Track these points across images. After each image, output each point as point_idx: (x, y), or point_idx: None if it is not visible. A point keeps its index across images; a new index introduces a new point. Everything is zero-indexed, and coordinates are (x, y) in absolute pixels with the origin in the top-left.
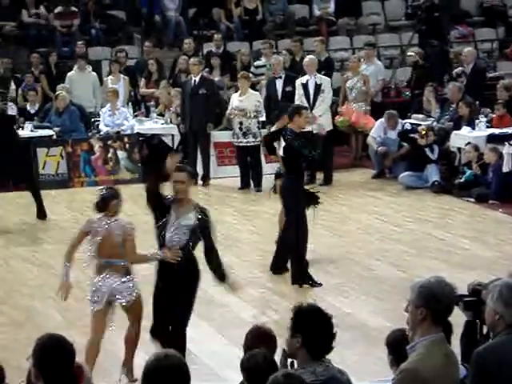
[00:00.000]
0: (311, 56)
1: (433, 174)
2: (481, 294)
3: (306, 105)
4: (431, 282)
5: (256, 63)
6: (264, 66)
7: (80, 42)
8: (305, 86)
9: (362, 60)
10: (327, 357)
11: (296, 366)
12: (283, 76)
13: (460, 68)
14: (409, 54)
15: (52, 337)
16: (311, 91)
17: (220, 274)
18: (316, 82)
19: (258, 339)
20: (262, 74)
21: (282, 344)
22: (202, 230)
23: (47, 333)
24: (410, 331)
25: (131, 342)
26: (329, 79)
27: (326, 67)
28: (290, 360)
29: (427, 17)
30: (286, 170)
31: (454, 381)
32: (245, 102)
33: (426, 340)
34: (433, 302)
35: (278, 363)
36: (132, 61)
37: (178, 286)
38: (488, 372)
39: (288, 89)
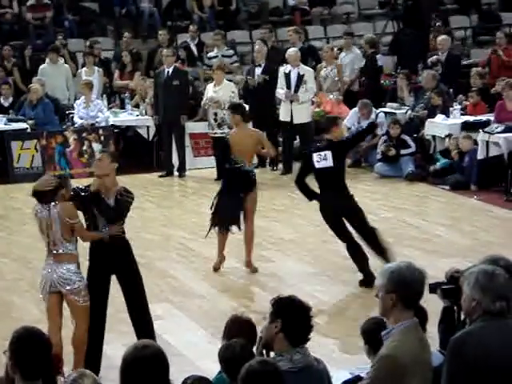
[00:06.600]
0: (294, 48)
1: (408, 163)
2: (459, 281)
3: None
4: (401, 266)
5: (208, 54)
6: (216, 56)
7: (60, 37)
8: (287, 76)
9: (337, 50)
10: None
11: (272, 354)
12: (263, 65)
13: (435, 56)
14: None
15: (27, 329)
16: (293, 81)
17: None
18: (299, 73)
19: (238, 329)
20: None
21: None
22: None
23: (22, 326)
24: (383, 317)
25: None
26: (312, 70)
27: (309, 54)
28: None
29: (404, 5)
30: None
31: (429, 365)
32: (219, 92)
33: (400, 326)
34: (403, 286)
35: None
36: (105, 52)
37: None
38: (465, 358)
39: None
